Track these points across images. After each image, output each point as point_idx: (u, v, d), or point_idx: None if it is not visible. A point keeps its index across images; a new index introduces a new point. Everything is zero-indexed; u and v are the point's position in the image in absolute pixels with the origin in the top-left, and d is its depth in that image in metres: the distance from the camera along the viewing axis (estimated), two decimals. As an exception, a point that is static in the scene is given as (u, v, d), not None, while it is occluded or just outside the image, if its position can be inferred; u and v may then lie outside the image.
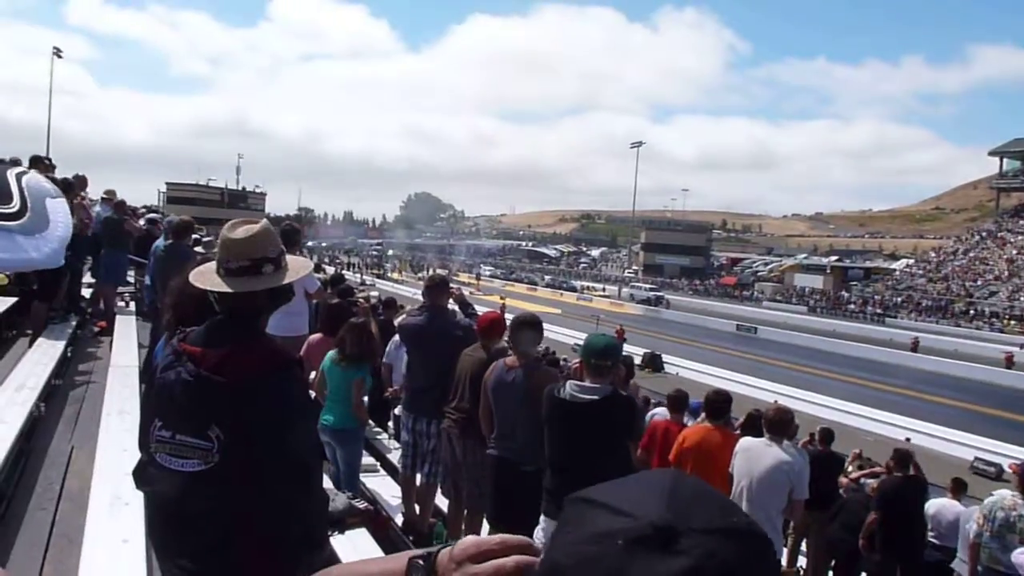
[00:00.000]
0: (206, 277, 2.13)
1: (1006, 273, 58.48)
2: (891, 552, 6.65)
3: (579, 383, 3.94)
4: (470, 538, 0.81)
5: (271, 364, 2.07)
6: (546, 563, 0.62)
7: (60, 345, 7.38)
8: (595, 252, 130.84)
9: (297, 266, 2.26)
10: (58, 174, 10.32)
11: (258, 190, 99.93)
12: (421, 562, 0.83)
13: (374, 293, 15.53)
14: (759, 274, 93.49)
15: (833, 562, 7.55)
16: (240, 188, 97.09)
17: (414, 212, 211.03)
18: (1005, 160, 72.35)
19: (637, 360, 27.04)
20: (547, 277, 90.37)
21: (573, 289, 75.72)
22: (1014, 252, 61.32)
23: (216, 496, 1.95)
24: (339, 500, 4.53)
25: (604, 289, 76.45)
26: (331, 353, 5.34)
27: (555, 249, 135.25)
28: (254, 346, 2.09)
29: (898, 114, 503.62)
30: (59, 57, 51.98)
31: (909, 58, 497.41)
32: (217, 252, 2.21)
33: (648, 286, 74.02)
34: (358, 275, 62.70)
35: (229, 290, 2.07)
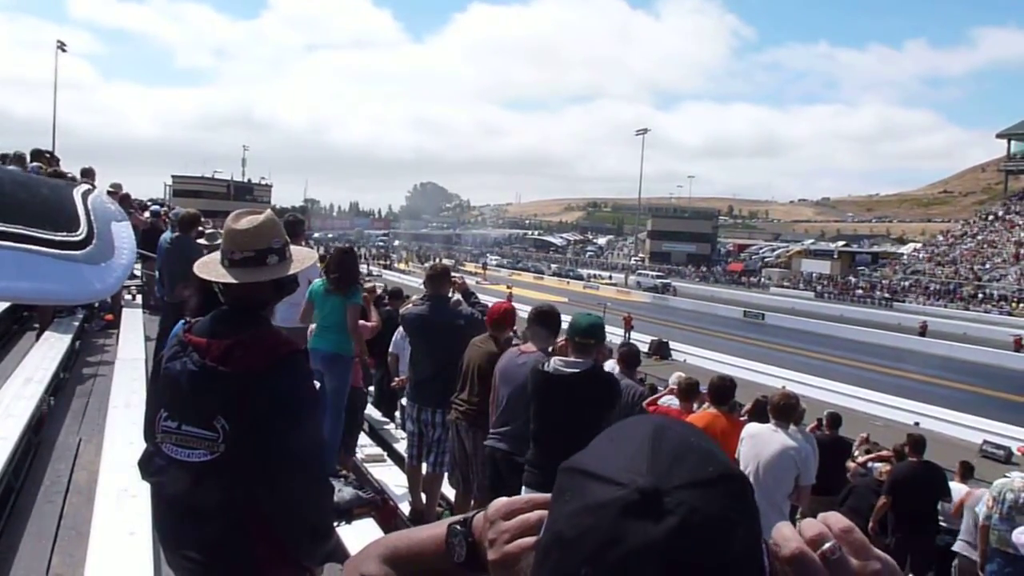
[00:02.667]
0: (210, 268, 2.13)
1: (1015, 256, 58.12)
2: (904, 536, 6.64)
3: (563, 358, 4.02)
4: (501, 499, 0.86)
5: (276, 355, 2.07)
6: (549, 534, 0.66)
7: (67, 339, 7.41)
8: (601, 240, 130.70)
9: (302, 256, 2.26)
10: (65, 167, 10.34)
11: (264, 182, 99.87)
12: (460, 527, 0.90)
13: (379, 284, 15.53)
14: (766, 260, 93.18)
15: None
16: (246, 180, 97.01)
17: (420, 202, 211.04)
18: (1013, 142, 71.80)
19: (644, 348, 27.06)
20: (553, 266, 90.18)
21: (580, 277, 75.62)
22: (1023, 235, 60.96)
23: (222, 486, 1.96)
24: (346, 491, 4.52)
25: (611, 277, 76.36)
26: (318, 282, 5.34)
27: (561, 238, 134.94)
28: (259, 337, 2.09)
29: (904, 98, 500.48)
30: (63, 51, 51.87)
31: (912, 41, 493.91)
32: (221, 243, 2.20)
33: (655, 273, 73.87)
34: (364, 266, 62.81)
35: (233, 281, 2.07)
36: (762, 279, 76.77)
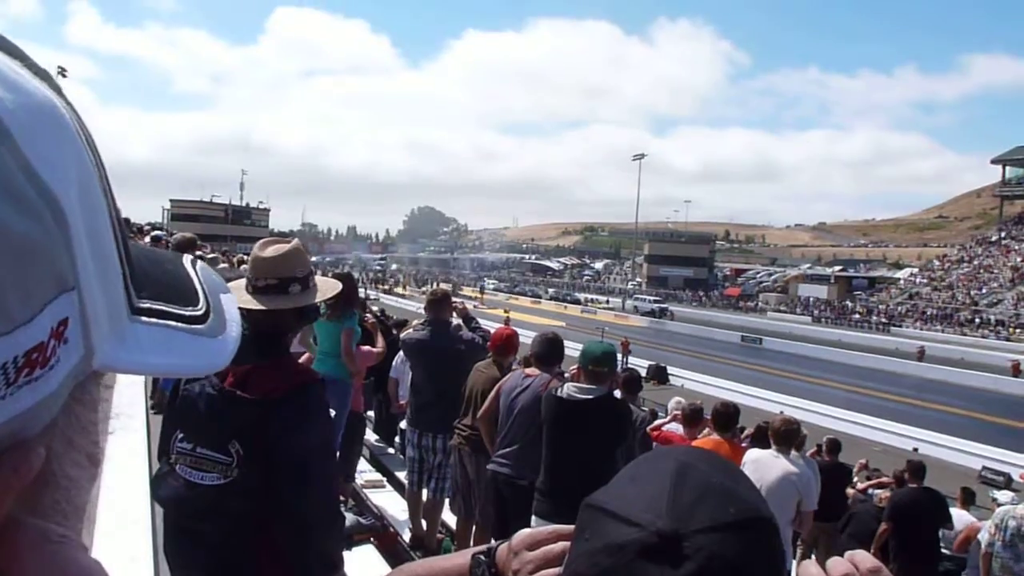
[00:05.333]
0: (235, 294, 2.15)
1: (1011, 281, 58.29)
2: (906, 563, 6.61)
3: (577, 384, 4.04)
4: (525, 530, 0.88)
5: (294, 382, 2.11)
6: (569, 571, 0.67)
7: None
8: (598, 264, 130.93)
9: (326, 287, 2.32)
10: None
11: (262, 206, 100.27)
12: (483, 557, 0.90)
13: (375, 309, 15.57)
14: (763, 285, 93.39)
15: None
16: (244, 204, 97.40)
17: (417, 226, 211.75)
18: (1008, 168, 72.41)
19: (643, 372, 27.01)
20: (551, 290, 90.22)
21: (577, 302, 75.66)
22: (1019, 260, 61.18)
23: (234, 511, 1.96)
24: (346, 517, 4.51)
25: (608, 301, 76.39)
26: None
27: (558, 262, 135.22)
28: (278, 364, 2.14)
29: (896, 123, 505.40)
30: (64, 76, 52.22)
31: (902, 68, 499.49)
32: (247, 270, 2.26)
33: (652, 298, 73.97)
34: (363, 290, 62.76)
35: (257, 307, 2.10)
36: (759, 304, 76.85)
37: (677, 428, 6.00)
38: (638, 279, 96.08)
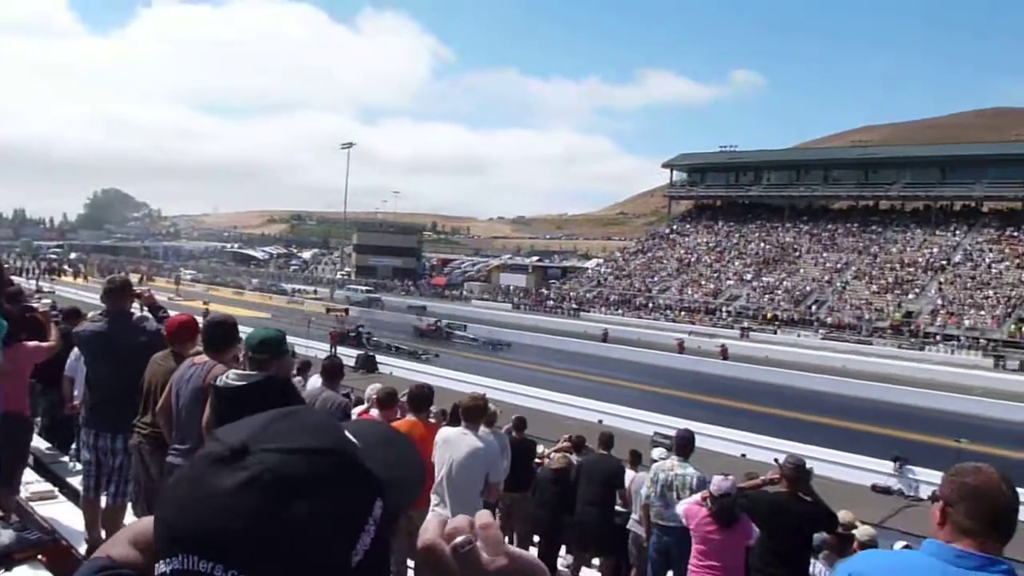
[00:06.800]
0: None
1: (677, 270, 66.45)
2: (586, 518, 7.39)
3: (238, 371, 3.91)
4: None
5: None
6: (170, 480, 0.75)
7: None
8: (306, 254, 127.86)
9: None
10: None
11: None
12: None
13: (46, 301, 13.82)
14: (468, 274, 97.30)
15: (536, 537, 8.10)
16: None
17: (102, 210, 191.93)
18: (675, 171, 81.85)
19: (351, 362, 26.91)
20: (255, 280, 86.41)
21: (284, 292, 73.38)
22: (683, 252, 69.77)
23: None
24: (3, 534, 3.98)
25: (316, 292, 74.88)
26: None
27: (263, 251, 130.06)
28: None
29: (586, 127, 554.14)
30: None
31: (588, 77, 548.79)
32: None
33: (366, 288, 73.83)
34: (33, 281, 55.26)
35: None
36: (464, 292, 79.89)
37: (376, 413, 6.06)
38: (347, 269, 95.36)
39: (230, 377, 3.83)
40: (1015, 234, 55.70)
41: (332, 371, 6.64)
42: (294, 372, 8.25)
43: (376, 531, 0.69)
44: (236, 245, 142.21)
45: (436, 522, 0.72)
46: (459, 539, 0.69)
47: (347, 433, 0.74)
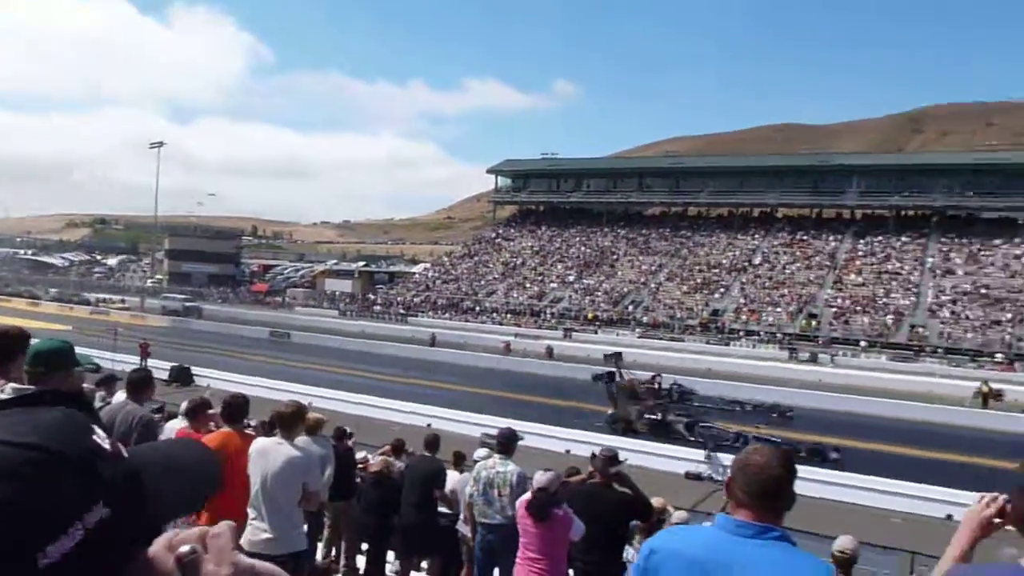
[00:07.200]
0: None
1: (502, 274, 67.75)
2: (410, 521, 7.41)
3: (15, 385, 3.59)
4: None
5: None
6: None
7: None
8: (112, 260, 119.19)
9: None
10: None
11: None
12: None
13: None
14: (291, 280, 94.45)
15: (365, 545, 8.00)
16: None
17: None
18: (499, 177, 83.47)
19: (164, 375, 25.30)
20: (53, 290, 79.43)
21: (87, 302, 68.17)
22: (508, 256, 71.26)
23: None
24: None
25: (124, 301, 69.86)
26: None
27: (63, 258, 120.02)
28: None
29: (412, 132, 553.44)
30: None
31: (413, 81, 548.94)
32: None
33: (183, 296, 69.78)
34: None
35: None
36: (287, 299, 77.41)
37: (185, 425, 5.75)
38: (159, 276, 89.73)
39: (5, 392, 3.50)
40: (804, 238, 61.49)
41: (138, 384, 6.20)
42: (93, 386, 7.70)
43: (87, 536, 0.66)
44: (30, 252, 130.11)
45: (168, 535, 0.71)
46: (183, 549, 0.69)
47: (96, 438, 0.73)
